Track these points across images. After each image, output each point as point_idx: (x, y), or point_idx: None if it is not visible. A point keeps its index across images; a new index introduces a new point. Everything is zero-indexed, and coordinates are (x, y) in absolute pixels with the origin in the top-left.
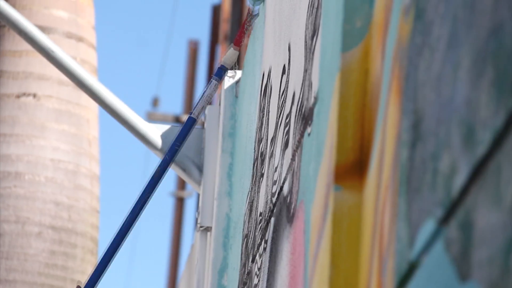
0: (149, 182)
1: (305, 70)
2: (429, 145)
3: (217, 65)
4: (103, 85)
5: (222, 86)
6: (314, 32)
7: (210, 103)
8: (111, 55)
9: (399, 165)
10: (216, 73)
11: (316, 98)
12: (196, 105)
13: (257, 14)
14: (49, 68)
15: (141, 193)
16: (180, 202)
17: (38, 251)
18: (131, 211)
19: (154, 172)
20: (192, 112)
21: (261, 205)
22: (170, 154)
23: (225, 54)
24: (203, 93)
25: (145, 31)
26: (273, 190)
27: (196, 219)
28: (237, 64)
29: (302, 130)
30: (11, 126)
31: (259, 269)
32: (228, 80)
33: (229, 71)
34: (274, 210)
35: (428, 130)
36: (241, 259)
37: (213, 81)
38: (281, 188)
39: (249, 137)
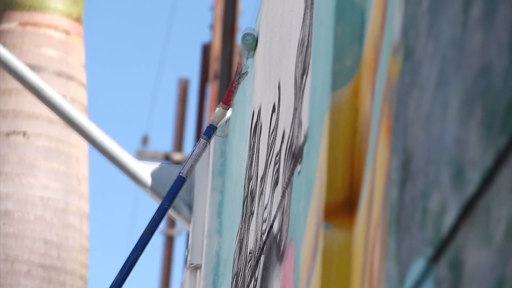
0: (139, 240)
1: (295, 109)
2: (418, 184)
3: (206, 103)
4: (93, 123)
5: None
6: (304, 71)
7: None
8: (101, 93)
9: (388, 203)
10: (205, 132)
11: (306, 137)
12: (185, 164)
13: (246, 73)
14: (39, 106)
15: (131, 252)
16: (169, 241)
17: None
18: (121, 269)
19: (144, 230)
20: (181, 172)
21: (251, 243)
22: (160, 213)
23: (214, 113)
24: (192, 152)
25: (135, 69)
26: (263, 228)
27: (186, 257)
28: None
29: (292, 168)
30: (0, 164)
31: None
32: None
33: (218, 130)
34: (264, 248)
35: (418, 169)
36: None
37: (202, 140)
38: (271, 226)
39: (239, 175)
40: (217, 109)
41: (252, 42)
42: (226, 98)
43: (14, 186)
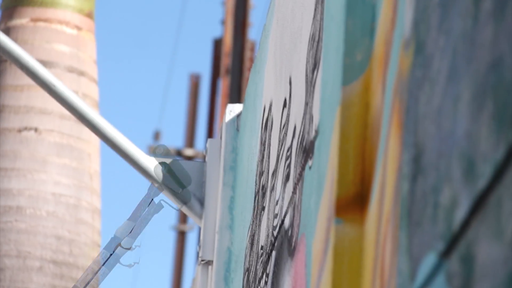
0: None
1: (306, 104)
2: (429, 178)
3: (218, 98)
4: (105, 119)
5: (223, 120)
6: (315, 66)
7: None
8: (112, 89)
9: (400, 198)
10: (107, 245)
11: (317, 132)
12: (81, 278)
13: (160, 205)
14: (51, 102)
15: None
16: (181, 236)
17: (39, 286)
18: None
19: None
20: (76, 283)
21: (262, 239)
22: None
23: (120, 226)
24: (88, 270)
25: (147, 65)
26: (274, 224)
27: (198, 253)
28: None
29: (303, 163)
30: (12, 160)
31: None
32: (230, 114)
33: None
34: (275, 244)
35: (429, 163)
36: None
37: (102, 255)
38: (282, 221)
39: (250, 171)
40: (125, 222)
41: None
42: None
43: (26, 182)
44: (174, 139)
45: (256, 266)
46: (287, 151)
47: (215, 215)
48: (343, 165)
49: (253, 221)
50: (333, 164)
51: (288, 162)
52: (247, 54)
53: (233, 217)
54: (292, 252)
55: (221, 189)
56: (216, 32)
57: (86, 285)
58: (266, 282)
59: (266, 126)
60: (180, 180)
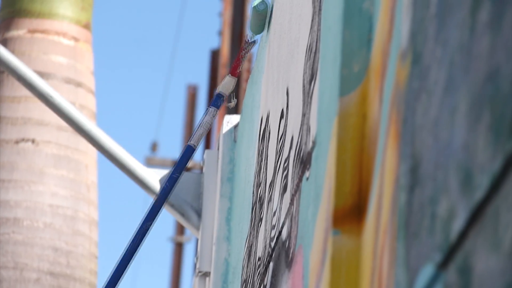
0: (150, 211)
1: (303, 114)
2: (427, 189)
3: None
4: (102, 130)
5: (220, 131)
6: (312, 77)
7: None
8: (110, 100)
9: (397, 209)
10: (213, 102)
11: (314, 142)
12: (194, 133)
13: (255, 41)
14: (48, 113)
15: (142, 222)
16: (179, 247)
17: None
18: (133, 239)
19: (154, 200)
20: (190, 141)
21: (259, 250)
22: (170, 182)
23: (222, 82)
24: (201, 121)
25: (144, 76)
26: (272, 235)
27: (195, 265)
28: (235, 94)
29: (300, 175)
30: (9, 171)
31: None
32: (227, 125)
33: (227, 101)
34: (273, 255)
35: (426, 174)
36: None
37: (210, 109)
38: (280, 232)
39: (247, 182)
40: (225, 78)
41: (264, 9)
42: (234, 67)
43: (23, 194)
44: (171, 150)
45: (253, 278)
46: (285, 162)
47: (213, 227)
48: (341, 176)
49: (250, 233)
50: (331, 175)
51: (285, 173)
52: (244, 65)
53: (231, 228)
54: (289, 264)
55: (218, 201)
56: (213, 43)
57: (199, 140)
58: None
59: (263, 137)
60: (262, 25)
